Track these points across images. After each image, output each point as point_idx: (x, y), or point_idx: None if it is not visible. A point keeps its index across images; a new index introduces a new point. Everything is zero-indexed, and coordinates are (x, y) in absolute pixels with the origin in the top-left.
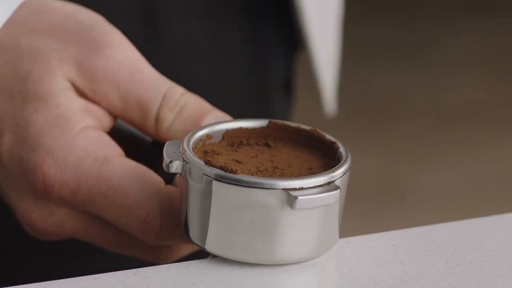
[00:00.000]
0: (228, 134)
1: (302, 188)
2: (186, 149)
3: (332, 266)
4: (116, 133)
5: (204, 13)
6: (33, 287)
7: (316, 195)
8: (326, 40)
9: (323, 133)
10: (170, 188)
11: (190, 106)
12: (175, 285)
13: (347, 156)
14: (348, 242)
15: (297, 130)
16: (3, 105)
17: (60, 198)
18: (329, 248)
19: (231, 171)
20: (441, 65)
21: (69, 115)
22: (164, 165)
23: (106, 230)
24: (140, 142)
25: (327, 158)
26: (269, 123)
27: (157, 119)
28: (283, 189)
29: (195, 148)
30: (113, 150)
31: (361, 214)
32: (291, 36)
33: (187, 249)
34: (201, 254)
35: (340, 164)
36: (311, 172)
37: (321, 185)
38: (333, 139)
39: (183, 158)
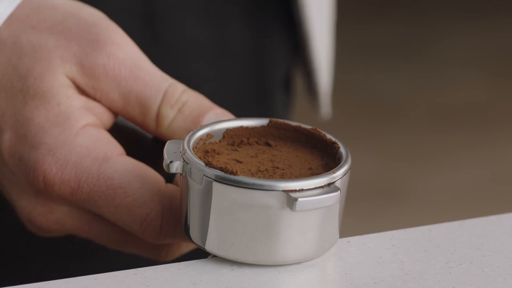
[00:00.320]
0: (229, 133)
1: (302, 190)
2: (187, 149)
3: (332, 266)
4: (116, 131)
5: (204, 12)
6: (33, 287)
7: (317, 197)
8: (324, 40)
9: (323, 132)
10: (170, 186)
11: (191, 103)
12: (175, 285)
13: (347, 157)
14: (348, 242)
15: (297, 129)
16: (4, 102)
17: (60, 196)
18: (329, 249)
19: (231, 173)
20: (441, 65)
21: (69, 113)
22: (164, 166)
23: (106, 228)
24: (141, 139)
25: (327, 158)
26: (270, 122)
27: (158, 116)
28: (283, 190)
29: (196, 148)
30: (114, 148)
31: (361, 214)
32: (291, 35)
33: (188, 247)
34: (201, 254)
35: (340, 164)
36: (311, 172)
37: (322, 187)
38: (333, 138)
39: (183, 159)
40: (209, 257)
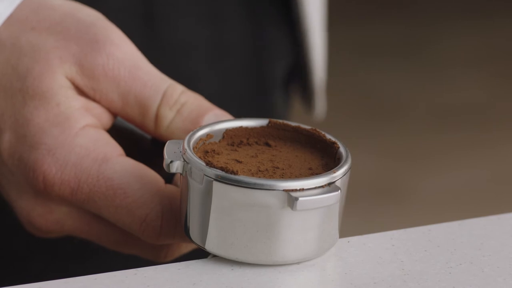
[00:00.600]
0: (228, 134)
1: (302, 189)
2: (187, 149)
3: (332, 266)
4: (116, 131)
5: (203, 11)
6: (33, 287)
7: (317, 196)
8: (319, 38)
9: (323, 132)
10: (170, 187)
11: (190, 104)
12: (175, 285)
13: (347, 156)
14: (348, 242)
15: (297, 130)
16: (4, 102)
17: (60, 196)
18: (329, 249)
19: (232, 172)
20: (441, 65)
21: (69, 113)
22: (164, 165)
23: (106, 228)
24: (140, 140)
25: (327, 158)
26: (269, 122)
27: (157, 117)
28: (283, 190)
29: (196, 148)
30: (113, 148)
31: (361, 214)
32: (290, 34)
33: (188, 247)
34: (201, 253)
35: (340, 164)
36: (311, 172)
37: (322, 186)
38: (333, 139)
39: (183, 158)
40: (209, 257)
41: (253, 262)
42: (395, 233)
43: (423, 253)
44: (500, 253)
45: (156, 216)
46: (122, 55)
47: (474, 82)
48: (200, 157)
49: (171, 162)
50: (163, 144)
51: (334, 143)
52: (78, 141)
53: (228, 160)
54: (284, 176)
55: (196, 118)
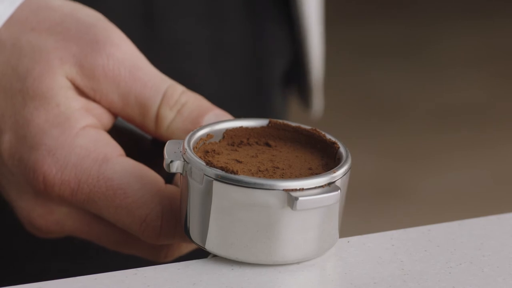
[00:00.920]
0: (229, 134)
1: (302, 189)
2: (187, 149)
3: (332, 266)
4: (116, 132)
5: (203, 11)
6: (33, 287)
7: (317, 196)
8: (318, 37)
9: (323, 132)
10: (170, 187)
11: (190, 104)
12: (175, 285)
13: (347, 156)
14: (348, 242)
15: (297, 130)
16: (4, 103)
17: (60, 197)
18: (329, 248)
19: (232, 172)
20: (441, 65)
21: (69, 114)
22: (164, 165)
23: (106, 229)
24: (140, 140)
25: (327, 158)
26: (270, 122)
27: (157, 117)
28: (283, 190)
29: (196, 148)
30: (114, 149)
31: (361, 214)
32: (290, 34)
33: (188, 248)
34: (201, 253)
35: (340, 164)
36: (311, 172)
37: (322, 186)
38: (333, 139)
39: (183, 158)
40: (209, 257)
41: (253, 262)
42: (395, 233)
43: (423, 253)
44: (500, 253)
45: (156, 216)
46: (122, 56)
47: (474, 82)
48: (200, 157)
49: (171, 162)
50: (164, 144)
51: (334, 143)
52: (78, 142)
53: (228, 160)
54: (284, 176)
55: (197, 118)
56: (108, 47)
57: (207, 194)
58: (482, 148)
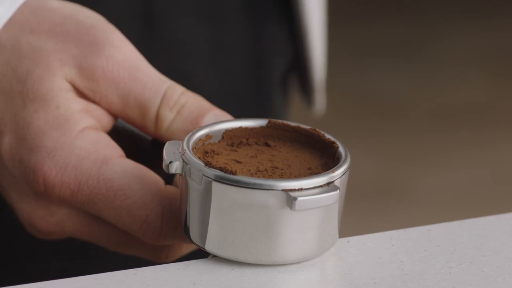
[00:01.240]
0: (228, 134)
1: (301, 189)
2: (186, 149)
3: (332, 266)
4: (116, 133)
5: (203, 11)
6: (33, 287)
7: (316, 196)
8: (319, 35)
9: (322, 132)
10: (170, 188)
11: (190, 105)
12: (175, 285)
13: (346, 156)
14: (348, 242)
15: (296, 130)
16: (4, 105)
17: (60, 198)
18: (328, 248)
19: (231, 172)
20: (441, 65)
21: (69, 116)
22: (164, 166)
23: (106, 229)
24: (140, 141)
25: (326, 157)
26: (269, 122)
27: (157, 118)
28: (282, 190)
29: (195, 148)
30: (113, 150)
31: (361, 214)
32: (290, 33)
33: (188, 248)
34: (201, 254)
35: (339, 164)
36: (311, 172)
37: (321, 186)
38: (332, 138)
39: (183, 159)
40: (209, 257)
41: (253, 262)
42: (395, 233)
43: (423, 253)
44: (500, 253)
45: (156, 216)
46: (122, 57)
47: (474, 82)
48: (199, 158)
49: (171, 162)
50: (163, 145)
51: (333, 142)
52: (78, 143)
53: (228, 161)
54: (284, 176)
55: (196, 118)
56: (107, 49)
57: (206, 195)
58: (481, 148)
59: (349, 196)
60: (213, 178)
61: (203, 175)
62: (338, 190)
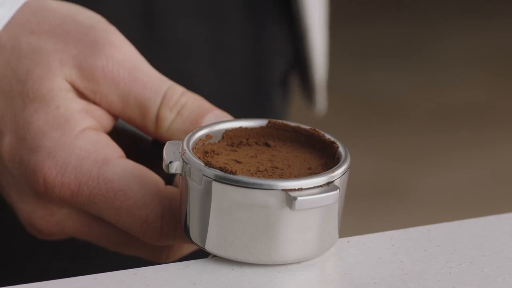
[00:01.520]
0: (228, 134)
1: (301, 189)
2: (186, 149)
3: (332, 266)
4: (116, 133)
5: (203, 11)
6: (33, 287)
7: (316, 196)
8: (320, 35)
9: (322, 132)
10: (170, 188)
11: (190, 105)
12: (175, 285)
13: (346, 156)
14: (348, 242)
15: (296, 130)
16: (4, 105)
17: (60, 199)
18: (328, 248)
19: (231, 172)
20: (441, 65)
21: (69, 116)
22: (164, 166)
23: (107, 230)
24: (140, 141)
25: (326, 157)
26: (269, 122)
27: (157, 118)
28: (282, 189)
29: (195, 148)
30: (113, 150)
31: (361, 214)
32: (290, 33)
33: (189, 248)
34: (201, 254)
35: (339, 164)
36: (311, 172)
37: (321, 186)
38: (332, 138)
39: (182, 159)
40: (209, 257)
41: (253, 262)
42: (395, 233)
43: (423, 253)
44: (500, 253)
45: (157, 216)
46: (122, 57)
47: (474, 82)
48: (199, 158)
49: (170, 162)
50: (164, 145)
51: (333, 142)
52: (78, 144)
53: (227, 161)
54: (283, 176)
55: (197, 119)
56: (107, 49)
57: (206, 195)
58: (481, 148)
59: (349, 196)
60: (213, 178)
61: (203, 175)
62: (338, 190)
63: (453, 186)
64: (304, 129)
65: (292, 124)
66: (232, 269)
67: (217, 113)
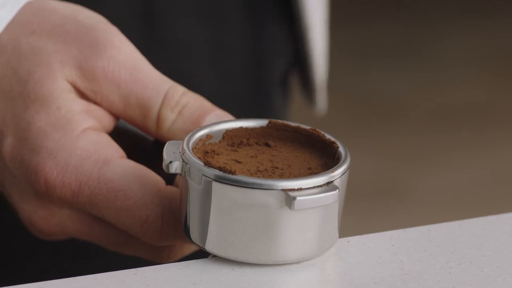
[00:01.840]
0: (228, 134)
1: (301, 189)
2: (186, 149)
3: (332, 266)
4: (118, 133)
5: (203, 11)
6: (33, 287)
7: (315, 196)
8: (320, 34)
9: (322, 132)
10: (171, 188)
11: (191, 105)
12: (175, 285)
13: (346, 156)
14: (348, 242)
15: (296, 130)
16: (4, 106)
17: (61, 199)
18: (328, 248)
19: (230, 172)
20: (441, 65)
21: (70, 117)
22: (163, 166)
23: (107, 230)
24: (142, 141)
25: (326, 157)
26: (269, 123)
27: (158, 118)
28: (282, 189)
29: (195, 148)
30: (114, 151)
31: (361, 214)
32: (290, 32)
33: (190, 248)
34: (201, 254)
35: (339, 164)
36: (311, 172)
37: (320, 186)
38: (332, 138)
39: (182, 159)
40: (209, 257)
41: (253, 262)
42: (395, 233)
43: (423, 253)
44: (500, 253)
45: (157, 216)
46: (123, 57)
47: (474, 82)
48: (199, 158)
49: (170, 162)
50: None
51: (333, 143)
52: (79, 144)
53: (227, 161)
54: (283, 176)
55: (198, 119)
56: (108, 49)
57: (206, 195)
58: (481, 148)
59: (349, 196)
60: (212, 178)
61: (203, 175)
62: (337, 190)
63: (453, 186)
64: (304, 129)
65: (293, 124)
66: (232, 269)
67: (218, 113)
